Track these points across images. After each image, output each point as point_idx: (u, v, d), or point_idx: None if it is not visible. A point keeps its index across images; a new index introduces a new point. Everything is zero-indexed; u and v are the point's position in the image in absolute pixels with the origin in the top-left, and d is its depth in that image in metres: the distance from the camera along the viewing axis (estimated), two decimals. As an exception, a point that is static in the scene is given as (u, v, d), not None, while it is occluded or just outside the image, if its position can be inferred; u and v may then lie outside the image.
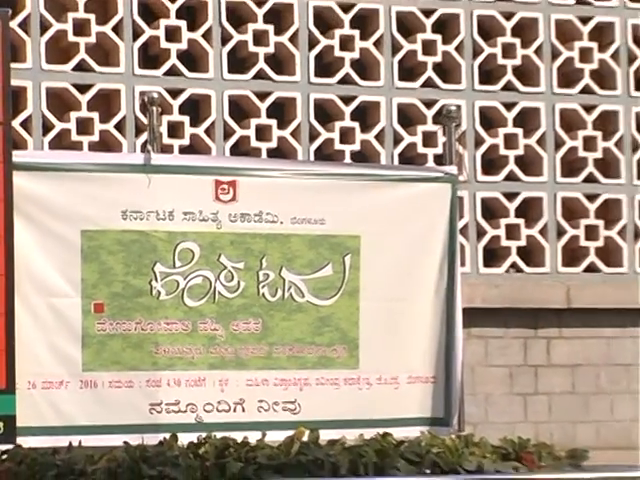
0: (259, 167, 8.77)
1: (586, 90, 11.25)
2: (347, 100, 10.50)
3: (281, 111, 10.37)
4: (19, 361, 7.29)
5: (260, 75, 10.26)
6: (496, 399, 10.21)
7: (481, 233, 10.64)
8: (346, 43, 10.62)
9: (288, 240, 8.31)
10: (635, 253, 11.16)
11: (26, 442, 7.20)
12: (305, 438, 7.39)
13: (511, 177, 10.87)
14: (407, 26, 10.85)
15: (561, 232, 10.94)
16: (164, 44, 9.92)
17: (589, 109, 11.16)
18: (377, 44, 10.70)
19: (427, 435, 7.96)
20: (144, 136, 9.05)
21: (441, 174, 8.93)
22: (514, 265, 10.83)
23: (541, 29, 11.19)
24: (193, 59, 10.13)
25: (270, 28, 10.32)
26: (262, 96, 10.25)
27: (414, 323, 8.58)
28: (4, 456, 7.02)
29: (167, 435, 7.35)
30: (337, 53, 10.63)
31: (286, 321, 8.22)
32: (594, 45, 11.11)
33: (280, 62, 10.42)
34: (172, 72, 10.00)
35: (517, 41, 10.92)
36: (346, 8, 10.62)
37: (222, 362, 8.07)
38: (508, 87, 11.00)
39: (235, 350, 8.09)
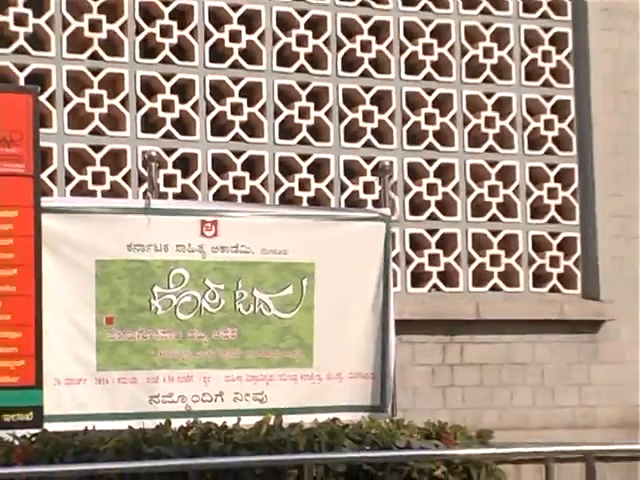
0: (236, 210, 8.91)
1: (491, 149, 11.12)
2: (305, 157, 10.37)
3: (253, 165, 10.26)
4: (47, 363, 7.33)
5: (236, 137, 10.14)
6: (421, 391, 10.14)
7: (409, 261, 10.57)
8: (304, 113, 10.47)
9: (258, 267, 8.35)
10: (529, 276, 11.01)
11: (51, 427, 7.22)
12: (271, 422, 7.43)
13: (432, 217, 10.75)
14: (350, 99, 10.68)
15: (471, 260, 10.85)
16: (161, 114, 9.90)
17: (493, 164, 11.03)
18: (328, 114, 10.54)
19: (367, 419, 7.96)
20: (145, 186, 8.97)
21: (377, 215, 9.01)
22: (435, 285, 10.69)
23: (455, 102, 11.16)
24: (184, 125, 10.04)
25: (244, 101, 10.22)
26: (238, 154, 10.17)
27: (356, 331, 8.62)
28: (34, 438, 7.00)
29: (163, 421, 7.36)
30: (297, 120, 10.45)
31: (256, 330, 8.26)
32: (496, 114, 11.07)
33: (253, 128, 10.27)
34: (167, 135, 9.96)
35: (437, 111, 10.82)
36: (303, 85, 10.50)
37: (206, 363, 8.11)
38: (430, 147, 10.80)
39: (216, 353, 8.15)
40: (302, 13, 10.37)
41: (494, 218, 10.96)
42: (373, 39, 10.74)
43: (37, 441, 6.99)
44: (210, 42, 10.29)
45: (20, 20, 9.55)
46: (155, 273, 8.05)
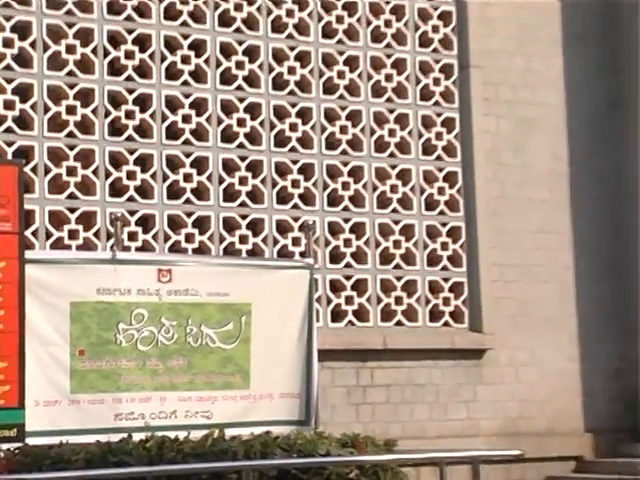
0: (187, 260, 8.98)
1: (395, 210, 11.15)
2: (244, 217, 10.27)
3: (201, 223, 10.14)
4: (28, 388, 7.26)
5: (187, 200, 10.04)
6: (339, 408, 10.03)
7: (329, 301, 10.44)
8: (243, 181, 10.40)
9: (205, 307, 8.31)
10: (426, 314, 10.92)
11: (31, 441, 7.14)
12: (215, 435, 7.47)
13: (347, 265, 10.71)
14: (281, 170, 10.61)
15: (379, 300, 10.72)
16: (125, 182, 9.80)
17: (397, 222, 11.18)
18: (263, 182, 10.47)
19: (295, 432, 8.05)
20: (112, 240, 8.97)
21: (303, 264, 9.07)
22: (350, 321, 10.59)
23: (366, 172, 11.32)
24: (144, 190, 9.93)
25: (194, 171, 10.20)
26: (189, 214, 10.08)
27: (285, 359, 8.59)
28: (17, 451, 6.93)
29: (125, 435, 7.32)
30: (237, 187, 10.41)
31: (203, 359, 8.22)
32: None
33: (201, 192, 10.20)
34: (130, 199, 9.85)
35: (351, 179, 10.88)
36: (243, 158, 10.41)
37: (162, 386, 8.04)
38: (345, 208, 10.77)
39: (170, 378, 8.09)
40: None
41: (398, 266, 10.85)
42: (299, 121, 10.62)
43: (19, 453, 6.90)
44: (166, 123, 10.13)
45: (8, 105, 9.47)
46: (119, 312, 7.97)
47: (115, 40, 10.05)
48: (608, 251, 11.75)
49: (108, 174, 9.78)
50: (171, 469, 6.82)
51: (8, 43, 9.53)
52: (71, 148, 9.66)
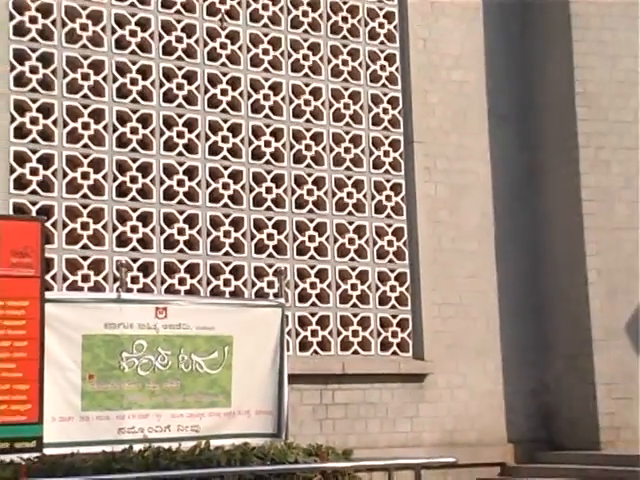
0: (180, 299, 8.91)
1: (352, 259, 11.10)
2: (227, 263, 10.24)
3: (192, 269, 10.09)
4: (46, 406, 7.23)
5: (181, 250, 10.05)
6: (305, 423, 9.90)
7: (297, 334, 10.36)
8: (227, 234, 10.37)
9: (194, 338, 8.26)
10: (378, 344, 10.86)
11: (48, 451, 7.12)
12: (202, 446, 7.50)
13: (312, 304, 10.64)
14: (259, 225, 10.61)
15: (339, 333, 10.64)
16: (129, 235, 9.75)
17: (354, 268, 11.18)
18: (244, 236, 10.40)
19: (268, 443, 8.00)
20: (117, 283, 9.03)
21: (276, 303, 9.03)
22: (315, 351, 10.58)
23: (329, 227, 11.25)
24: (145, 242, 9.88)
25: (185, 227, 10.23)
26: (182, 261, 10.04)
27: (261, 382, 8.55)
28: (35, 459, 6.92)
29: (127, 446, 7.32)
30: (222, 239, 10.34)
31: (193, 382, 8.18)
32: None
33: (192, 244, 10.14)
34: (133, 249, 9.81)
35: (316, 233, 10.86)
36: (227, 215, 10.39)
37: (158, 405, 8.00)
38: (312, 257, 10.83)
39: (165, 398, 8.05)
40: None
41: (354, 305, 10.79)
42: (273, 185, 10.58)
43: (38, 462, 6.87)
44: (163, 187, 10.23)
45: (33, 172, 9.49)
46: (123, 343, 7.93)
47: (122, 118, 10.02)
48: (527, 293, 11.68)
49: (115, 228, 9.75)
50: (165, 475, 6.80)
51: (34, 121, 9.55)
52: (84, 207, 9.64)
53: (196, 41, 10.42)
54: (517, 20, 12.12)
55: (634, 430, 10.76)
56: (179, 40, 10.35)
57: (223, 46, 10.57)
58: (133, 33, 10.13)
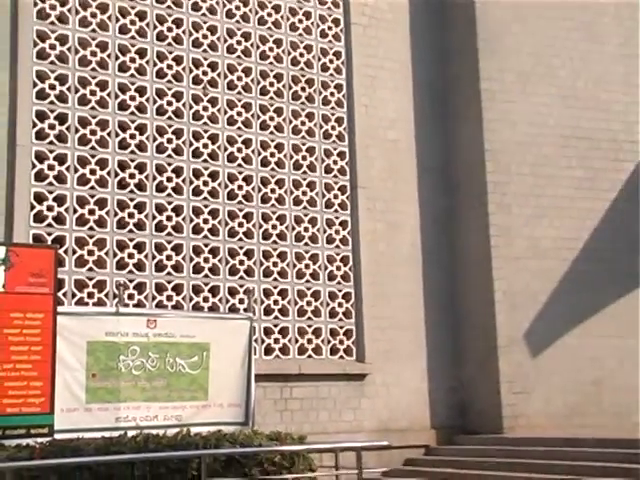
0: (167, 313, 8.91)
1: (307, 283, 11.06)
2: (206, 284, 10.20)
3: (177, 288, 10.01)
4: (56, 399, 7.23)
5: (168, 273, 9.98)
6: (268, 414, 9.85)
7: (263, 341, 10.35)
8: (205, 260, 10.33)
9: (178, 345, 8.21)
10: (328, 350, 10.81)
11: (57, 436, 7.08)
12: (184, 432, 7.44)
13: (275, 317, 10.57)
14: (232, 254, 10.61)
15: (297, 341, 10.61)
16: (126, 260, 9.69)
17: (303, 295, 11.13)
18: (220, 261, 10.41)
19: (238, 430, 7.95)
20: (116, 300, 8.98)
21: (246, 316, 9.03)
22: (277, 355, 10.50)
23: (289, 254, 11.24)
24: (139, 266, 9.81)
25: (181, 261, 10.32)
26: (169, 282, 9.97)
27: (232, 381, 8.48)
28: (47, 443, 6.87)
29: (122, 432, 7.26)
30: (202, 265, 10.30)
31: (177, 381, 8.13)
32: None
33: (177, 267, 10.04)
34: (130, 272, 9.74)
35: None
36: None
37: (148, 399, 7.95)
38: (275, 279, 10.69)
39: (154, 394, 7.99)
40: None
41: (309, 318, 10.76)
42: (244, 221, 10.57)
43: (49, 445, 6.85)
44: (154, 222, 10.11)
45: (49, 208, 9.44)
46: (120, 348, 7.89)
47: (122, 166, 9.92)
48: (446, 309, 11.66)
49: (115, 255, 9.74)
50: (153, 456, 6.75)
51: (51, 168, 9.47)
52: (90, 237, 9.63)
53: (183, 104, 10.44)
54: (440, 93, 12.19)
55: (529, 418, 10.92)
56: (169, 103, 10.37)
57: (205, 109, 10.58)
58: (132, 97, 10.15)
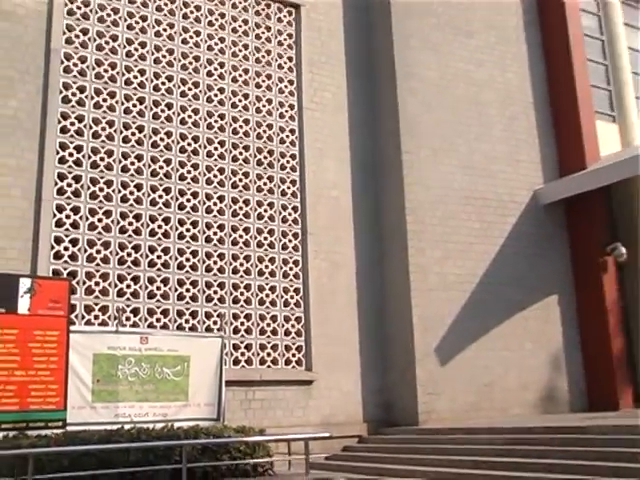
0: (156, 332, 8.74)
1: (273, 304, 11.01)
2: (188, 309, 10.06)
3: (165, 313, 9.87)
4: (69, 399, 7.27)
5: (157, 300, 9.87)
6: (236, 412, 9.73)
7: (232, 354, 10.16)
8: (187, 290, 10.29)
9: (165, 357, 8.19)
10: (283, 361, 10.73)
11: (69, 429, 7.08)
12: (169, 426, 7.39)
13: (238, 333, 10.50)
14: (209, 286, 10.62)
15: (259, 354, 10.48)
16: (125, 289, 9.57)
17: (275, 318, 11.04)
18: (198, 292, 10.52)
19: (212, 425, 7.93)
20: (117, 321, 8.86)
21: (218, 335, 8.98)
22: (243, 365, 10.32)
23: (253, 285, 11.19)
24: (135, 294, 9.73)
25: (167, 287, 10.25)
26: (158, 307, 9.83)
27: (208, 385, 8.42)
28: (61, 434, 6.86)
29: (120, 426, 7.22)
30: (184, 294, 10.38)
31: (164, 386, 8.10)
32: None
33: (165, 296, 9.88)
34: (128, 299, 9.66)
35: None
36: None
37: (140, 399, 7.92)
38: (237, 302, 10.85)
39: (145, 395, 7.97)
40: None
41: (269, 336, 10.68)
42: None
43: (62, 435, 6.86)
44: (148, 259, 10.00)
45: (66, 248, 9.35)
46: (119, 360, 7.87)
47: (123, 216, 9.85)
48: (376, 330, 11.54)
49: (116, 285, 9.70)
50: (144, 445, 6.73)
51: (68, 217, 9.41)
52: (97, 272, 9.62)
53: (172, 168, 10.44)
54: (371, 163, 12.19)
55: (438, 413, 10.97)
56: (161, 167, 10.37)
57: (188, 172, 10.56)
58: (132, 163, 10.17)
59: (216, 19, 11.42)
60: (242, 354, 10.51)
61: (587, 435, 7.97)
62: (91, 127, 9.90)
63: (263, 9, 11.91)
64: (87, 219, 9.64)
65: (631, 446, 7.12)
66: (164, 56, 10.75)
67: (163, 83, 10.67)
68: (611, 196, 13.43)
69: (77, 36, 10.00)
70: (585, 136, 13.03)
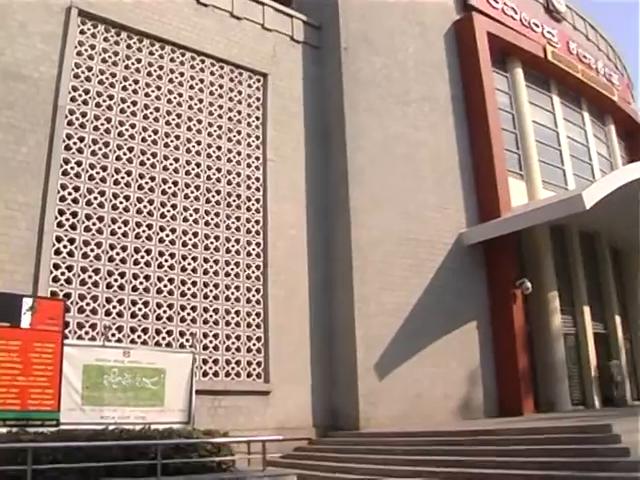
0: (137, 347, 8.82)
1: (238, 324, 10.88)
2: (164, 328, 10.01)
3: (145, 330, 9.84)
4: (62, 402, 7.15)
5: (139, 320, 9.75)
6: (204, 417, 9.49)
7: (201, 368, 10.17)
8: (164, 312, 10.43)
9: (144, 369, 8.16)
10: (246, 375, 10.73)
11: (62, 427, 6.99)
12: (146, 428, 7.33)
13: (205, 349, 10.43)
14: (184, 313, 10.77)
15: (224, 368, 10.37)
16: (111, 310, 9.50)
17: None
18: (173, 313, 10.37)
19: (183, 427, 7.88)
20: (104, 337, 8.95)
21: (190, 351, 9.05)
22: (210, 378, 10.26)
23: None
24: (121, 314, 9.68)
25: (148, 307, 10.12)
26: (139, 325, 9.79)
27: (180, 393, 8.37)
28: (55, 432, 6.80)
29: (105, 426, 7.17)
30: (161, 315, 10.41)
31: (143, 393, 8.05)
32: None
33: (146, 315, 10.20)
34: (113, 318, 9.54)
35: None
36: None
37: (123, 404, 7.87)
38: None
39: (127, 401, 7.91)
40: None
41: (233, 353, 10.69)
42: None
43: (55, 433, 6.82)
44: (132, 284, 9.89)
45: (62, 273, 9.23)
46: (105, 370, 7.85)
47: (111, 259, 9.81)
48: (325, 349, 11.61)
49: (104, 306, 9.74)
50: (125, 444, 6.67)
51: (65, 246, 9.39)
52: (88, 294, 9.68)
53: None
54: (323, 207, 12.37)
55: (377, 420, 11.14)
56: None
57: (168, 211, 10.72)
58: (121, 202, 10.28)
59: (196, 83, 11.85)
60: (210, 368, 10.63)
61: (496, 436, 8.46)
62: (87, 171, 10.11)
63: (236, 76, 12.36)
64: (81, 249, 9.77)
65: (532, 444, 7.65)
66: (152, 113, 11.08)
67: (150, 135, 10.97)
68: (520, 239, 14.15)
69: (80, 95, 10.28)
70: (500, 190, 13.77)
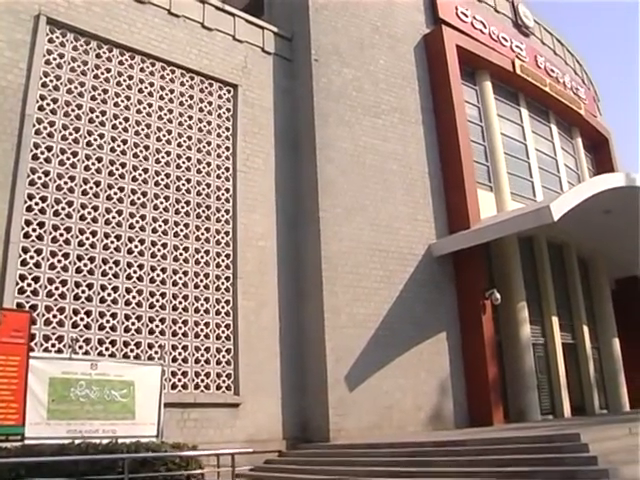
0: (105, 360, 8.74)
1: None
2: (133, 340, 10.04)
3: (113, 343, 9.81)
4: (27, 416, 7.12)
5: (107, 332, 9.76)
6: (172, 430, 9.57)
7: (170, 380, 10.16)
8: (133, 324, 10.27)
9: (113, 381, 8.19)
10: (216, 387, 10.70)
11: (27, 442, 7.00)
12: (114, 442, 7.30)
13: (174, 361, 10.51)
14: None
15: (194, 380, 10.41)
16: (78, 322, 9.39)
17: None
18: (141, 325, 10.39)
19: (152, 441, 7.86)
20: (71, 349, 8.84)
21: (159, 363, 9.08)
22: (180, 390, 10.28)
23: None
24: (88, 326, 9.57)
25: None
26: (107, 337, 9.77)
27: (150, 406, 8.43)
28: (19, 446, 6.82)
29: (71, 440, 7.16)
30: (130, 327, 10.37)
31: (112, 406, 8.08)
32: None
33: (114, 327, 10.25)
34: (80, 330, 9.50)
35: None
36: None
37: (91, 418, 7.87)
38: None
39: (95, 414, 7.91)
40: None
41: (202, 365, 10.71)
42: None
43: (21, 448, 6.82)
44: (104, 293, 10.01)
45: (28, 285, 9.24)
46: (72, 383, 7.86)
47: (79, 270, 9.83)
48: (296, 360, 11.64)
49: (71, 318, 9.71)
50: (92, 458, 6.71)
51: (32, 257, 9.38)
52: (55, 306, 9.66)
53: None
54: (293, 217, 12.47)
55: (347, 431, 11.21)
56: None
57: (137, 222, 10.72)
58: (89, 213, 10.28)
59: (166, 94, 11.93)
60: (179, 380, 10.58)
61: (463, 447, 8.59)
62: (55, 181, 10.09)
63: (207, 87, 12.48)
64: (48, 260, 9.75)
65: (500, 454, 7.75)
66: (121, 123, 11.14)
67: (119, 145, 11.01)
68: (489, 251, 14.46)
69: (48, 104, 10.30)
70: (469, 201, 14.05)
